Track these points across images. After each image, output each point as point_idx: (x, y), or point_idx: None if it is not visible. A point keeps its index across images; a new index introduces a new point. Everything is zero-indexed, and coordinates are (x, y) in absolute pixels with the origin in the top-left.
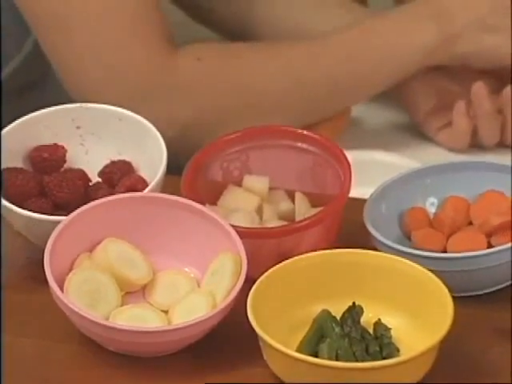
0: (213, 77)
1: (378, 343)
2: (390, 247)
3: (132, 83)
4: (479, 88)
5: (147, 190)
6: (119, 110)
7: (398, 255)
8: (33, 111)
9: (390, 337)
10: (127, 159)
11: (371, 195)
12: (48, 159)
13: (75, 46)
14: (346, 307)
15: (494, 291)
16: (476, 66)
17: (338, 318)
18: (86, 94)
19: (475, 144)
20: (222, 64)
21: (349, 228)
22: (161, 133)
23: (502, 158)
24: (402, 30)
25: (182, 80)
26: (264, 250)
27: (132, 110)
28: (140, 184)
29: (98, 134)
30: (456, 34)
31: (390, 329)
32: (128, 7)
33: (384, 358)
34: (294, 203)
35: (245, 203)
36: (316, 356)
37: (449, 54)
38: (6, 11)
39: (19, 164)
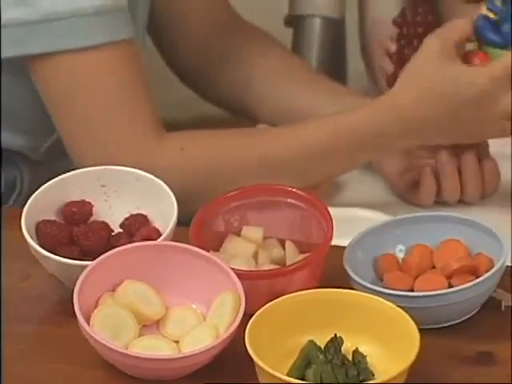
0: (194, 165)
1: (356, 368)
2: (365, 287)
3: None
4: (442, 156)
5: (161, 239)
6: (137, 171)
7: (373, 294)
8: (64, 173)
9: (366, 363)
10: (144, 213)
11: (349, 243)
12: (77, 213)
13: (76, 126)
14: (329, 338)
15: (454, 324)
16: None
17: (322, 347)
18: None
19: (439, 201)
20: (202, 154)
21: (331, 271)
22: None
23: (462, 212)
24: (358, 126)
25: (167, 168)
26: (259, 289)
27: None
28: (155, 234)
29: (120, 191)
30: (416, 134)
31: (366, 356)
32: (122, 99)
33: (361, 381)
34: (284, 250)
35: (243, 250)
36: (304, 380)
37: (407, 143)
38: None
39: (52, 217)
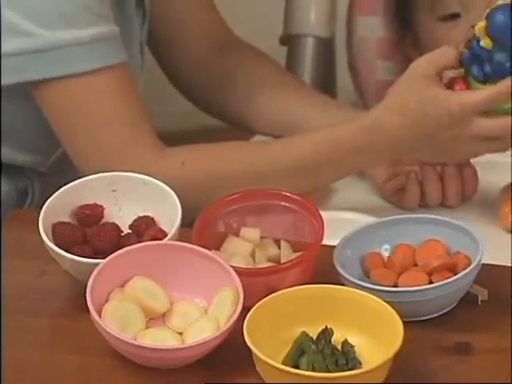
0: (195, 179)
1: (345, 358)
2: (353, 283)
3: None
4: (425, 166)
5: (166, 239)
6: (144, 177)
7: (360, 289)
8: (77, 179)
9: (354, 353)
10: (151, 215)
11: (339, 243)
12: (89, 215)
13: (78, 145)
14: (320, 330)
15: (434, 317)
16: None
17: (314, 338)
18: None
19: (422, 204)
20: (203, 167)
21: (322, 268)
22: None
23: (443, 215)
24: (354, 139)
25: (168, 182)
26: (256, 285)
27: None
28: (161, 234)
29: (129, 195)
30: (398, 152)
31: (354, 346)
32: (120, 119)
33: (349, 370)
34: (279, 249)
35: (241, 249)
36: (297, 368)
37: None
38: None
39: (67, 219)
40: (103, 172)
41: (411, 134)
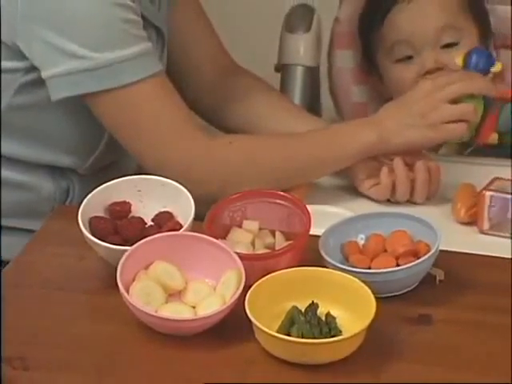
0: (241, 153)
1: (328, 327)
2: (335, 266)
3: (184, 160)
4: (398, 163)
5: (182, 230)
6: (164, 179)
7: (341, 271)
8: (108, 181)
9: (336, 323)
10: (169, 210)
11: (323, 233)
12: (119, 211)
13: (142, 147)
14: (308, 304)
15: (401, 293)
16: (402, 151)
17: (303, 311)
18: (156, 171)
19: (393, 200)
20: (248, 146)
21: (310, 254)
22: (193, 195)
23: (409, 210)
24: (351, 133)
25: (217, 156)
26: (255, 267)
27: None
28: (177, 226)
29: (151, 194)
30: (388, 134)
31: (336, 318)
32: (172, 114)
33: (332, 337)
34: (274, 238)
35: (243, 238)
36: (289, 335)
37: (384, 147)
38: (84, 119)
39: (101, 213)
40: (167, 164)
41: (392, 107)
